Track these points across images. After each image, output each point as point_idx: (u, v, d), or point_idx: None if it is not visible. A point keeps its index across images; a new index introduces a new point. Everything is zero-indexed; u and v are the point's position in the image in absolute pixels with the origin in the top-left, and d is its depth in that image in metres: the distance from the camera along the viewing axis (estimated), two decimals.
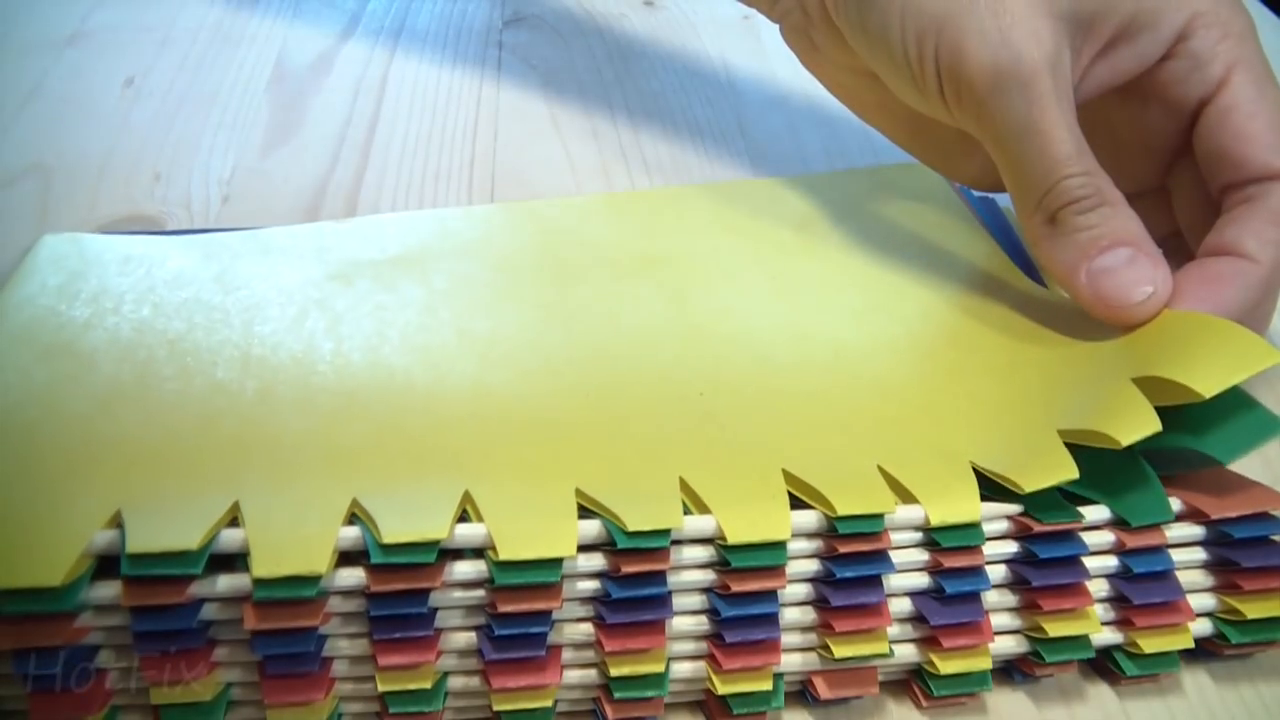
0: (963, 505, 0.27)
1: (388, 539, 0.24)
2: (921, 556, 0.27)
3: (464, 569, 0.25)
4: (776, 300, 0.35)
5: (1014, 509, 0.27)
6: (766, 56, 0.56)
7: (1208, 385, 0.27)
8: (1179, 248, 0.36)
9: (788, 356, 0.32)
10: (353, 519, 0.26)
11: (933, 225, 0.38)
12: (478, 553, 0.26)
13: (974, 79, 0.32)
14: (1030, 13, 0.31)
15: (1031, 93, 0.31)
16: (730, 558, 0.26)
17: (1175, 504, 0.28)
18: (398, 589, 0.25)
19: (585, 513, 0.26)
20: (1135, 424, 0.27)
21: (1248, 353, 0.28)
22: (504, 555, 0.25)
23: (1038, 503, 0.27)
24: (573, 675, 0.27)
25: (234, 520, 0.25)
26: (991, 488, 0.28)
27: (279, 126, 0.51)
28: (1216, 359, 0.28)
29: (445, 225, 0.39)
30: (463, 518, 0.26)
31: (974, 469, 0.28)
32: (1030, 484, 0.27)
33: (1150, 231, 0.37)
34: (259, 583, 0.24)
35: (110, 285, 0.35)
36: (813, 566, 0.27)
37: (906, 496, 0.27)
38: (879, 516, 0.26)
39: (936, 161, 0.39)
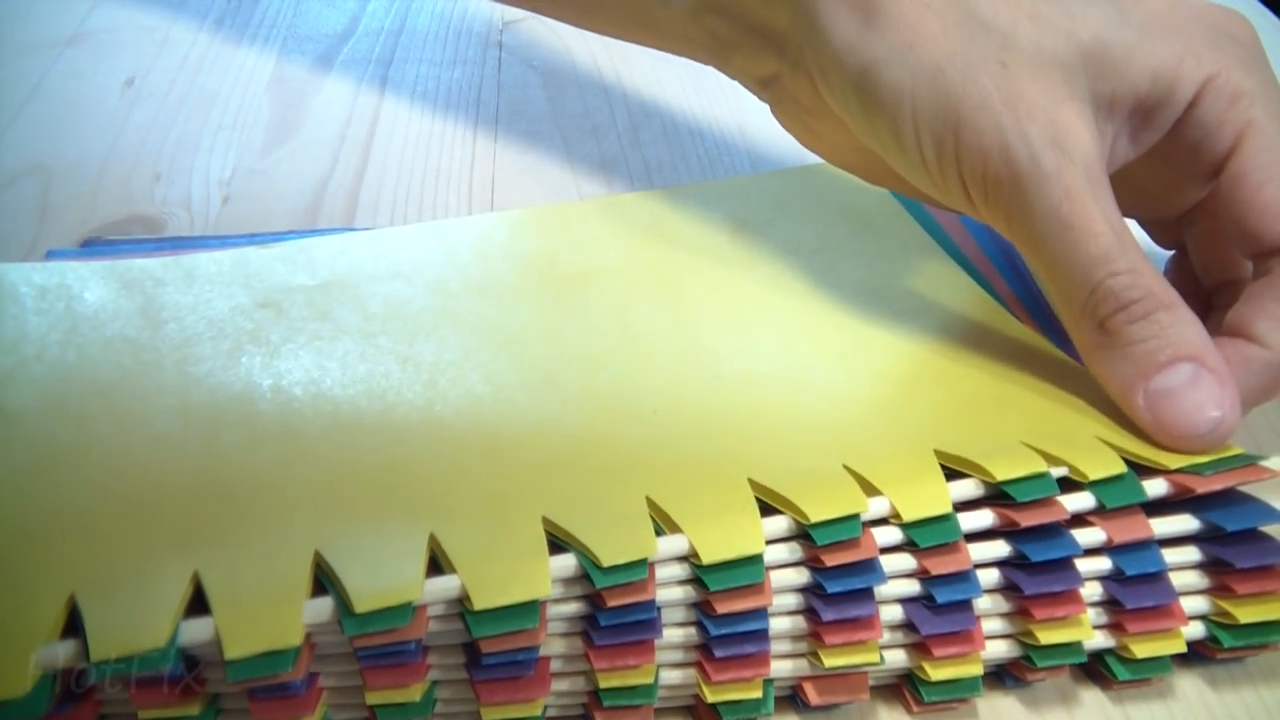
0: (932, 496, 0.27)
1: (359, 608, 0.23)
2: (911, 563, 0.27)
3: (444, 606, 0.25)
4: (718, 312, 0.34)
5: (980, 491, 0.27)
6: None
7: (1173, 461, 0.28)
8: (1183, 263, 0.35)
9: (736, 369, 0.32)
10: (318, 578, 0.25)
11: (867, 225, 0.38)
12: None
13: (1000, 179, 0.29)
14: (1050, 101, 0.29)
15: (1058, 187, 0.29)
16: (707, 580, 0.25)
17: (1161, 485, 0.28)
18: (380, 643, 0.24)
19: (557, 542, 0.26)
20: (1101, 464, 0.27)
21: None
22: (479, 605, 0.24)
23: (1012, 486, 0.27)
24: (561, 684, 0.27)
25: (196, 588, 0.24)
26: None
27: (279, 126, 0.51)
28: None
29: (375, 247, 0.38)
30: (433, 562, 0.25)
31: (941, 462, 0.28)
32: (1002, 473, 0.27)
33: (1165, 243, 0.36)
34: (232, 664, 0.23)
35: (29, 327, 0.33)
36: (802, 577, 0.27)
37: (875, 493, 0.27)
38: (854, 518, 0.26)
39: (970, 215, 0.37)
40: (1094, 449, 0.28)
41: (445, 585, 0.24)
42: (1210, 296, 0.34)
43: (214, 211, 0.45)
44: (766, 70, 0.35)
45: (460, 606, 0.25)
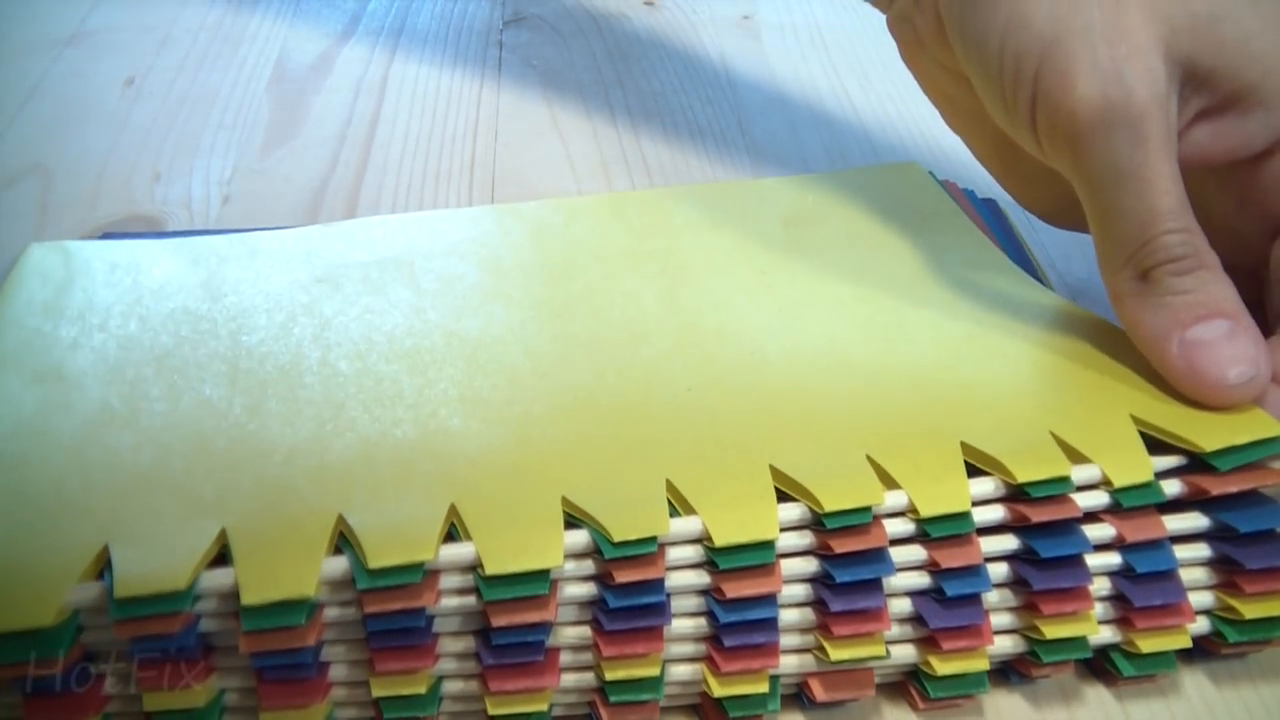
0: (952, 493, 0.27)
1: (373, 564, 0.24)
2: (920, 555, 0.27)
3: (456, 580, 0.26)
4: (765, 295, 0.35)
5: (1001, 490, 0.27)
6: (766, 56, 0.56)
7: (1211, 442, 0.27)
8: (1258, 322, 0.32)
9: (776, 350, 0.32)
10: (340, 540, 0.26)
11: (924, 222, 0.38)
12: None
13: (1077, 111, 0.29)
14: (1148, 47, 0.28)
15: (1139, 135, 0.28)
16: (717, 559, 0.26)
17: (1176, 485, 0.28)
18: (391, 609, 0.25)
19: (573, 520, 0.26)
20: (1129, 468, 0.27)
21: (1253, 420, 0.28)
22: (490, 570, 0.25)
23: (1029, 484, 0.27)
24: (568, 679, 0.27)
25: (223, 547, 0.26)
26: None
27: (279, 126, 0.51)
28: (1220, 419, 0.28)
29: (434, 227, 0.39)
30: (451, 532, 0.26)
31: (965, 457, 0.28)
32: (1024, 474, 0.27)
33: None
34: (248, 611, 0.24)
35: (97, 299, 0.34)
36: (811, 567, 0.27)
37: (895, 487, 0.27)
38: (866, 509, 0.26)
39: (1014, 186, 0.37)
40: (1125, 448, 0.28)
41: (460, 551, 0.25)
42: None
43: (214, 211, 0.45)
44: None
45: (474, 582, 0.25)
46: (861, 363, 0.31)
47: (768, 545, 0.26)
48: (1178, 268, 0.29)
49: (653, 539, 0.25)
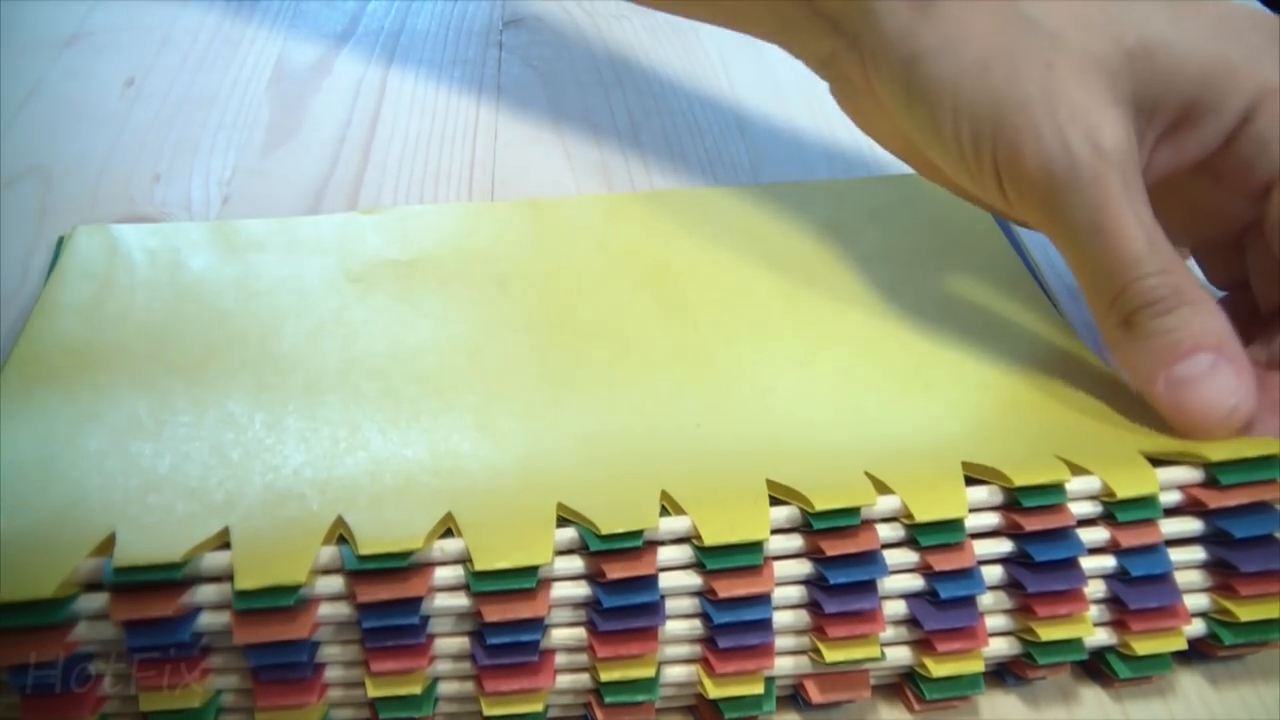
0: (948, 499, 0.27)
1: (364, 550, 0.25)
2: (914, 557, 0.27)
3: (448, 574, 0.26)
4: (787, 325, 0.34)
5: (998, 498, 0.27)
6: (766, 57, 0.56)
7: (1217, 452, 0.28)
8: (1247, 300, 0.34)
9: (789, 389, 0.32)
10: (339, 541, 0.26)
11: (956, 241, 0.38)
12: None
13: (1034, 180, 0.30)
14: (1090, 105, 0.29)
15: (1095, 193, 0.29)
16: (705, 559, 0.26)
17: (1175, 496, 0.28)
18: (385, 599, 0.25)
19: (566, 522, 0.27)
20: (1134, 480, 0.27)
21: (1260, 441, 0.28)
22: (479, 566, 0.25)
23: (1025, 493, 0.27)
24: (564, 680, 0.27)
25: (224, 544, 0.26)
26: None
27: (279, 126, 0.51)
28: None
29: (468, 222, 0.39)
30: (448, 535, 0.26)
31: (964, 471, 0.28)
32: (1021, 478, 0.27)
33: (1219, 279, 0.35)
34: (240, 595, 0.25)
35: (136, 301, 0.35)
36: (805, 569, 0.27)
37: (889, 492, 0.27)
38: (855, 510, 0.26)
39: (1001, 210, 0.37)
40: (1132, 464, 0.28)
41: (451, 546, 0.26)
42: (1270, 323, 0.33)
43: (214, 211, 0.45)
44: (825, 49, 0.36)
45: (464, 581, 0.26)
46: (874, 402, 0.31)
47: (756, 546, 0.26)
48: (1155, 310, 0.29)
49: (639, 533, 0.26)
